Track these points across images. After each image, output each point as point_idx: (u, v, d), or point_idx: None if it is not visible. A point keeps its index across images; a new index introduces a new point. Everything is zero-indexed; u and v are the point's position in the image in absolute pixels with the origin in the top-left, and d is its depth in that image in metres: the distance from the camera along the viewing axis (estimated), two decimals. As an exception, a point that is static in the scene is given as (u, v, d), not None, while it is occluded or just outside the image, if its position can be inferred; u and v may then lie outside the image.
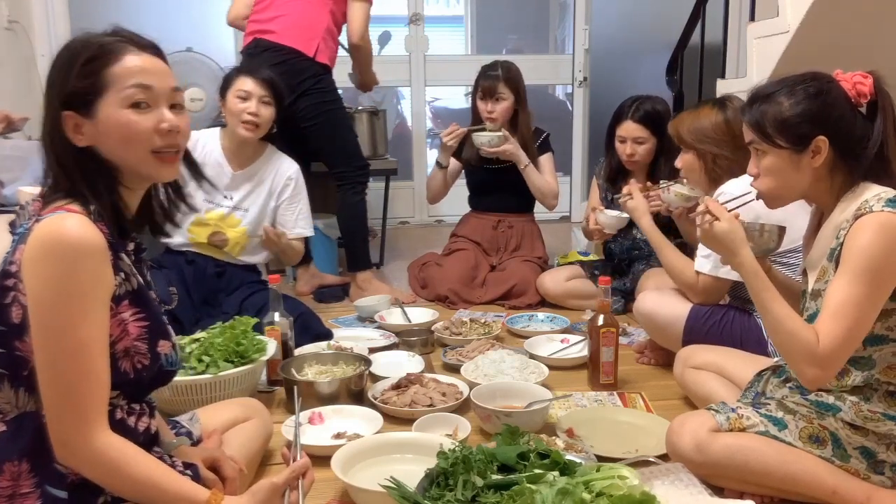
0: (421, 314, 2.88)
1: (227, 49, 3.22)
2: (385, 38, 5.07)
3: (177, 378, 1.84)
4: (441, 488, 1.36)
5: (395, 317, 2.86)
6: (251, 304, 2.49)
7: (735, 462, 1.50)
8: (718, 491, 1.55)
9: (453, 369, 2.31)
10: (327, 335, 2.57)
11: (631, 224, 3.05)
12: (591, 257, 3.47)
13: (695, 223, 2.28)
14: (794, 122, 1.46)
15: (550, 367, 2.26)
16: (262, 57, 3.00)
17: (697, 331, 2.14)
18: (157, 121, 1.21)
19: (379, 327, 2.79)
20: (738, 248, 1.54)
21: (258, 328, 2.14)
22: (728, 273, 2.07)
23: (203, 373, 1.92)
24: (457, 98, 5.52)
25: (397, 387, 2.09)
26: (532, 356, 2.37)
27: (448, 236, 3.55)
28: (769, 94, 1.50)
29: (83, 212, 1.16)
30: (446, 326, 2.69)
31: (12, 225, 1.23)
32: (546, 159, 3.34)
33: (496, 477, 1.36)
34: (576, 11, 4.84)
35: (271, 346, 2.11)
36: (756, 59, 3.15)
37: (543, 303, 3.09)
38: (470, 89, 3.39)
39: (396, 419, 1.96)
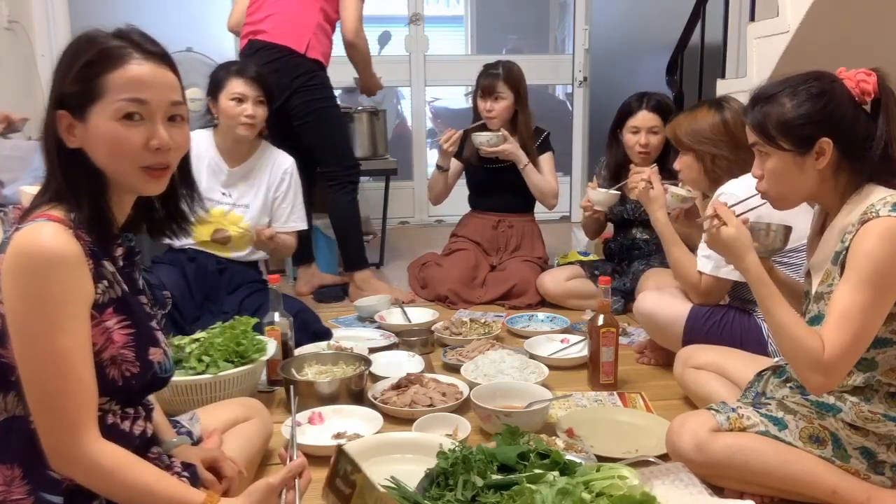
0: (421, 314, 2.88)
1: (227, 49, 3.23)
2: (385, 38, 5.07)
3: (177, 378, 1.86)
4: (441, 488, 1.36)
5: (395, 317, 2.86)
6: (250, 304, 2.50)
7: (735, 462, 1.50)
8: (718, 491, 1.55)
9: (453, 369, 2.31)
10: (326, 333, 2.57)
11: (631, 223, 3.07)
12: (591, 257, 3.47)
13: (689, 224, 2.30)
14: (798, 124, 1.44)
15: (550, 367, 2.26)
16: (256, 57, 3.01)
17: (697, 331, 2.14)
18: (148, 137, 1.16)
19: (379, 327, 2.79)
20: (744, 253, 1.54)
21: (258, 328, 2.14)
22: (729, 273, 2.07)
23: (203, 373, 1.92)
24: (457, 98, 5.52)
25: (397, 387, 2.09)
26: (532, 356, 2.37)
27: (448, 236, 3.55)
28: (771, 95, 1.48)
29: (63, 219, 1.14)
30: (446, 326, 2.69)
31: None
32: (546, 158, 3.34)
33: (496, 477, 1.36)
34: (576, 11, 4.84)
35: (271, 346, 2.11)
36: (756, 59, 3.15)
37: (543, 303, 3.09)
38: (470, 89, 3.39)
39: (396, 419, 1.96)
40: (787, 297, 1.50)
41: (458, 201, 3.69)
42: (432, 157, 4.98)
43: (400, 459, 1.65)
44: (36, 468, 1.14)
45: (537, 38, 5.71)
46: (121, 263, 1.24)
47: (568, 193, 5.00)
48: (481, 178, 3.38)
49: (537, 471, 1.36)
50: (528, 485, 1.28)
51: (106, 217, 1.20)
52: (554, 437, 1.78)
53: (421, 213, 5.02)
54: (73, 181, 1.17)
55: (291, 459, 1.34)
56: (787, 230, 1.69)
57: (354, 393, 2.06)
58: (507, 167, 3.26)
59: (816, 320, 1.49)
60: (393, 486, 1.37)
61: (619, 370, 2.22)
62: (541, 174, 3.29)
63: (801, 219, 1.69)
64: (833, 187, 1.48)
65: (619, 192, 2.70)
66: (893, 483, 1.46)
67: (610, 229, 3.26)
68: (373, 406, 2.01)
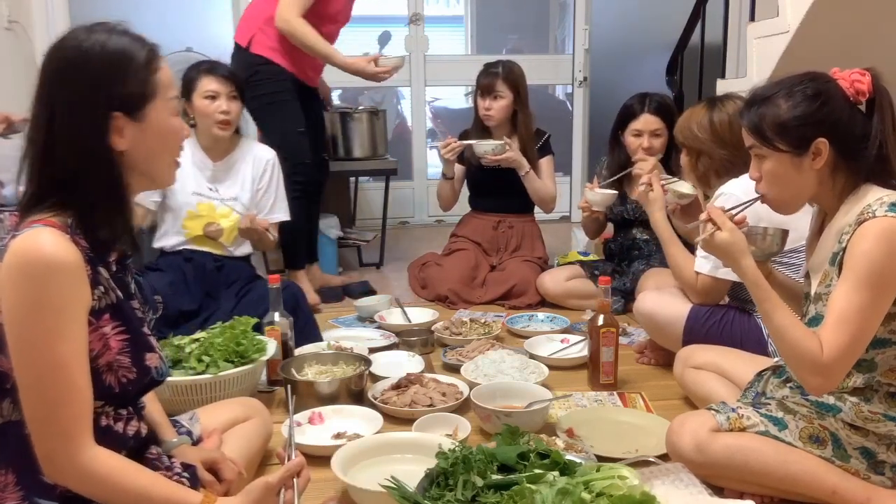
0: (421, 314, 2.88)
1: (226, 49, 3.21)
2: (385, 38, 5.07)
3: (177, 378, 1.86)
4: (441, 488, 1.36)
5: (395, 317, 2.86)
6: (249, 302, 2.50)
7: (735, 462, 1.50)
8: (718, 491, 1.54)
9: (453, 369, 2.31)
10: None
11: (631, 223, 3.07)
12: (591, 257, 3.47)
13: (689, 222, 2.30)
14: (794, 125, 1.44)
15: (550, 367, 2.26)
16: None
17: (697, 331, 2.14)
18: (184, 128, 1.28)
19: (379, 327, 2.79)
20: (739, 258, 1.52)
21: (258, 328, 2.14)
22: (727, 274, 2.07)
23: (203, 373, 1.91)
24: (457, 98, 5.52)
25: (397, 387, 2.09)
26: (532, 356, 2.37)
27: (448, 236, 3.55)
28: (767, 97, 1.48)
29: (61, 224, 1.14)
30: (446, 326, 2.69)
31: None
32: (546, 162, 3.34)
33: (496, 477, 1.36)
34: (576, 11, 4.85)
35: (271, 346, 2.11)
36: (756, 59, 3.15)
37: (543, 303, 3.09)
38: (470, 89, 3.38)
39: (396, 419, 1.96)
40: (787, 299, 1.50)
41: (459, 201, 3.69)
42: (432, 157, 4.99)
43: (400, 459, 1.65)
44: (30, 474, 1.14)
45: (537, 38, 5.71)
46: (114, 269, 1.24)
47: (568, 194, 5.00)
48: (481, 178, 3.38)
49: (537, 471, 1.36)
50: (528, 485, 1.28)
51: (125, 217, 1.21)
52: (554, 437, 1.78)
53: (421, 213, 5.02)
54: (101, 184, 1.17)
55: (290, 459, 1.34)
56: (784, 234, 1.68)
57: (354, 393, 2.06)
58: (506, 168, 3.26)
59: (815, 321, 1.49)
60: (393, 486, 1.37)
61: (619, 370, 2.22)
62: (540, 178, 3.29)
63: (801, 219, 1.69)
64: (831, 188, 1.48)
65: (615, 192, 2.70)
66: (893, 483, 1.46)
67: (610, 229, 3.26)
68: (373, 406, 2.01)
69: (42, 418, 1.10)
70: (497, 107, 3.22)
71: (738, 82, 3.25)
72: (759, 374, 1.73)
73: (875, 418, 1.45)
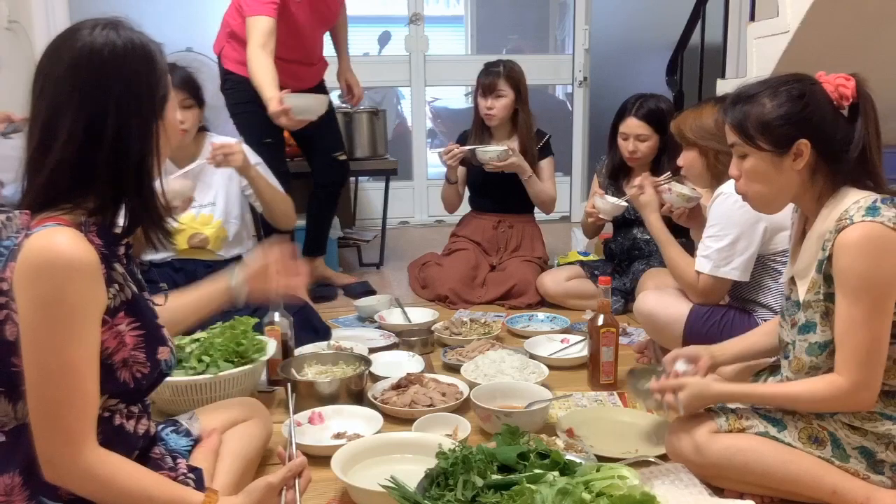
0: (421, 314, 2.88)
1: (227, 49, 3.23)
2: (385, 38, 5.07)
3: (177, 378, 1.86)
4: (441, 488, 1.37)
5: (395, 317, 2.86)
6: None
7: (735, 463, 1.50)
8: (718, 491, 1.55)
9: (453, 369, 2.31)
10: (327, 331, 2.57)
11: (631, 224, 3.06)
12: (591, 257, 3.47)
13: (692, 224, 2.30)
14: (777, 125, 1.45)
15: (550, 367, 2.26)
16: None
17: (697, 331, 2.14)
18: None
19: (379, 327, 2.79)
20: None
21: (258, 328, 2.14)
22: (728, 273, 2.08)
23: (203, 373, 1.91)
24: (457, 98, 5.52)
25: (397, 387, 2.09)
26: (532, 356, 2.37)
27: (448, 236, 3.55)
28: (752, 96, 1.49)
29: (74, 222, 1.14)
30: (446, 326, 2.69)
31: None
32: (547, 164, 3.34)
33: (496, 477, 1.36)
34: (576, 11, 4.85)
35: (271, 346, 2.11)
36: (756, 59, 3.15)
37: (543, 303, 3.09)
38: (470, 89, 3.39)
39: (396, 419, 1.96)
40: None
41: (459, 202, 3.70)
42: (432, 157, 4.99)
43: (400, 459, 1.65)
44: (36, 474, 1.14)
45: (537, 38, 5.71)
46: (124, 261, 1.24)
47: (568, 194, 5.00)
48: (481, 179, 3.38)
49: (537, 471, 1.36)
50: (528, 485, 1.28)
51: (155, 205, 1.23)
52: (554, 437, 1.78)
53: (421, 213, 5.02)
54: (139, 183, 1.20)
55: (291, 459, 1.34)
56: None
57: (354, 393, 2.06)
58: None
59: (807, 328, 1.50)
60: (393, 486, 1.37)
61: (619, 370, 2.22)
62: (541, 179, 3.30)
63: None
64: (810, 189, 1.49)
65: (626, 204, 2.64)
66: (893, 483, 1.46)
67: (610, 229, 3.26)
68: (373, 406, 2.01)
69: (46, 421, 1.10)
70: (499, 106, 3.22)
71: (737, 82, 3.22)
72: (758, 375, 1.73)
73: (873, 418, 1.45)
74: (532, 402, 1.93)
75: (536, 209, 3.42)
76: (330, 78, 3.34)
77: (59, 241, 1.09)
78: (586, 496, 1.24)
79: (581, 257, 3.47)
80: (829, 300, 1.45)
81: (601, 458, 1.65)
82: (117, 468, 1.14)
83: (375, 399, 2.03)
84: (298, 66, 3.11)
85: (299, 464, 1.31)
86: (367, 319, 2.90)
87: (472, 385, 2.07)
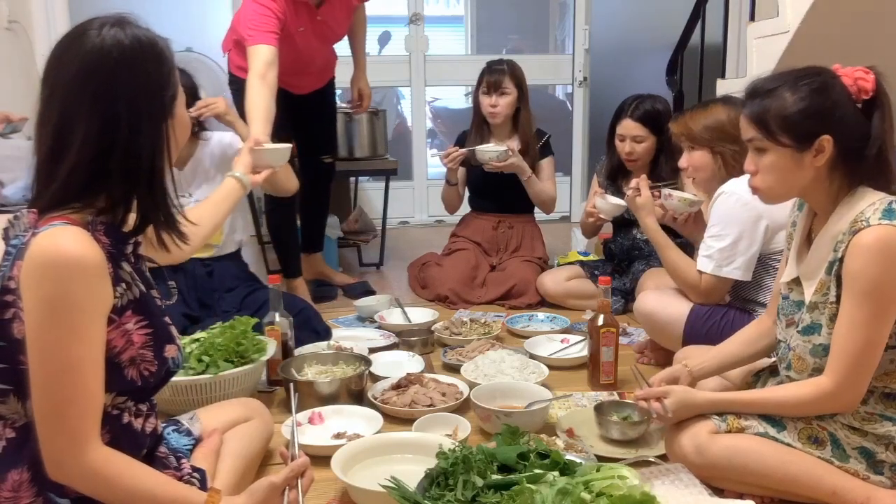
0: (421, 314, 2.88)
1: (227, 49, 3.22)
2: (385, 38, 5.07)
3: (177, 378, 1.85)
4: (441, 488, 1.37)
5: (395, 317, 2.86)
6: (251, 302, 2.49)
7: (734, 463, 1.50)
8: (718, 491, 1.55)
9: (453, 369, 2.31)
10: (327, 331, 2.57)
11: (631, 224, 3.06)
12: (591, 257, 3.47)
13: (695, 229, 2.29)
14: (799, 119, 1.42)
15: (550, 367, 2.26)
16: None
17: (697, 331, 2.14)
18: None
19: (379, 327, 2.79)
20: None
21: (258, 328, 2.14)
22: (730, 273, 2.08)
23: (203, 373, 1.92)
24: (457, 98, 5.52)
25: (397, 387, 2.09)
26: (532, 356, 2.37)
27: (448, 236, 3.55)
28: (771, 90, 1.45)
29: (81, 221, 1.14)
30: (446, 326, 2.69)
31: (5, 234, 1.21)
32: (547, 163, 3.35)
33: (496, 477, 1.36)
34: (576, 11, 4.85)
35: (271, 346, 2.11)
36: (756, 59, 3.15)
37: (543, 303, 3.09)
38: (470, 89, 3.38)
39: (396, 419, 1.96)
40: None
41: (459, 202, 3.70)
42: (432, 157, 4.99)
43: (400, 459, 1.66)
44: (44, 471, 1.14)
45: (537, 38, 5.71)
46: (132, 260, 1.24)
47: (568, 194, 5.00)
48: (481, 179, 3.38)
49: (537, 471, 1.36)
50: (528, 485, 1.28)
51: (166, 203, 1.23)
52: (554, 437, 1.78)
53: (421, 213, 5.02)
54: (151, 182, 1.20)
55: (293, 459, 1.34)
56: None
57: (354, 393, 2.06)
58: (506, 168, 3.26)
59: (811, 329, 1.49)
60: (393, 486, 1.37)
61: (619, 370, 2.22)
62: (541, 179, 3.30)
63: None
64: (826, 187, 1.47)
65: (626, 205, 2.64)
66: (893, 483, 1.46)
67: (610, 229, 3.26)
68: (373, 406, 2.01)
69: (50, 420, 1.11)
70: (503, 103, 3.22)
71: (738, 82, 3.24)
72: (757, 375, 1.73)
73: (872, 419, 1.45)
74: (532, 402, 1.93)
75: (536, 209, 3.43)
76: (339, 77, 3.32)
77: (64, 241, 1.09)
78: (586, 496, 1.24)
79: (581, 257, 3.47)
80: (840, 302, 1.43)
81: (601, 458, 1.66)
82: (120, 467, 1.14)
83: (375, 399, 2.03)
84: (305, 75, 3.13)
85: (302, 464, 1.31)
86: (367, 319, 2.90)
87: (472, 385, 2.07)
